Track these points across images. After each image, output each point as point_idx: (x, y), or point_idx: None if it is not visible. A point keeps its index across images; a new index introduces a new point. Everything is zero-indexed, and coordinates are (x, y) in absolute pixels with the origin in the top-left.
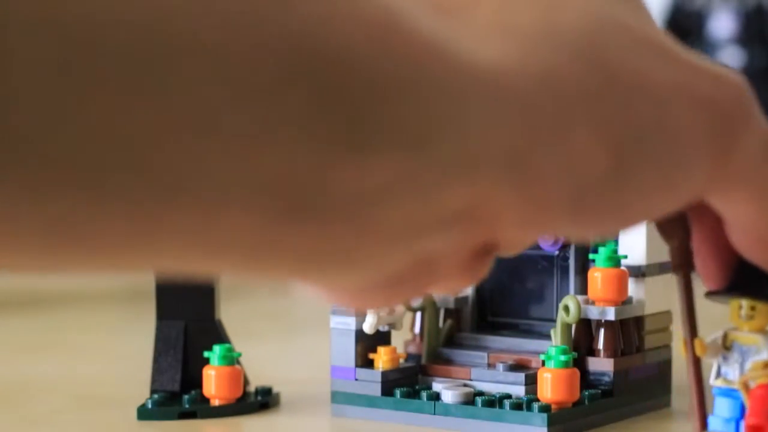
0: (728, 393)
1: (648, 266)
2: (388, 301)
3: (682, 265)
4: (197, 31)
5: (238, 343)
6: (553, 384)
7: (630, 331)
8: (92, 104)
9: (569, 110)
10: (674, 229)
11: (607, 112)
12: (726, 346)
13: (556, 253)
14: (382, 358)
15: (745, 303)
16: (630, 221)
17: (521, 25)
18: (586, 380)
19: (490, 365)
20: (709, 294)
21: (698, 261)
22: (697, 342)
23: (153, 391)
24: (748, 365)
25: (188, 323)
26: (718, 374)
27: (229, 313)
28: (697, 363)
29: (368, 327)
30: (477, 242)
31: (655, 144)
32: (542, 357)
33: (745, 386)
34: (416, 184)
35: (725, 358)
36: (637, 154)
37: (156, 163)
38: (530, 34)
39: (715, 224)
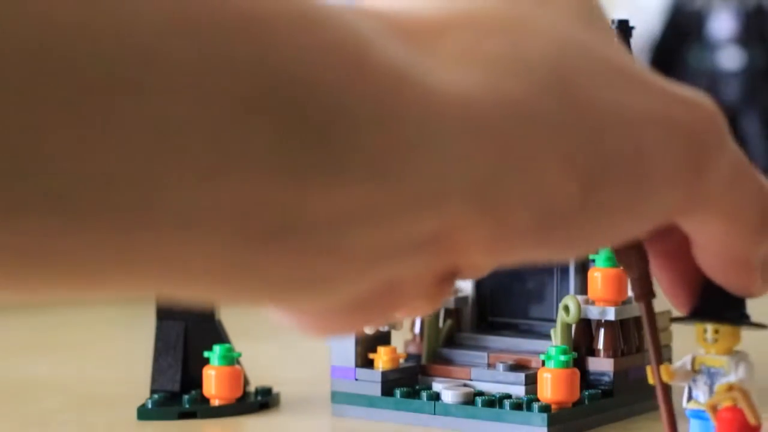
0: (700, 415)
1: None
2: (353, 325)
3: (644, 294)
4: (167, 63)
5: (238, 343)
6: (553, 384)
7: (630, 331)
8: (60, 131)
9: (536, 139)
10: (633, 259)
11: (575, 140)
12: (695, 369)
13: None
14: (382, 358)
15: (709, 327)
16: (598, 245)
17: (489, 55)
18: (586, 380)
19: (490, 365)
20: (674, 320)
21: (663, 288)
22: (663, 368)
23: (153, 391)
24: (717, 388)
25: (188, 323)
26: (690, 397)
27: (229, 313)
28: (665, 388)
29: (368, 327)
30: (442, 268)
31: (624, 170)
32: (542, 357)
33: (713, 409)
34: (383, 212)
35: (695, 381)
36: (606, 181)
37: (124, 190)
38: (498, 63)
39: (676, 251)
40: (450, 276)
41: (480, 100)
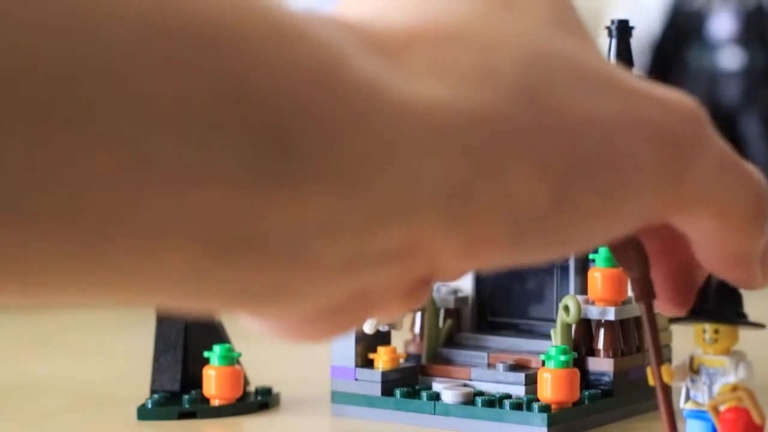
0: (699, 415)
1: None
2: (327, 331)
3: (644, 295)
4: (135, 75)
5: (238, 343)
6: (553, 384)
7: (630, 331)
8: (23, 144)
9: (507, 147)
10: (633, 260)
11: (547, 146)
12: (693, 369)
13: None
14: (382, 358)
15: (708, 327)
16: (575, 248)
17: (457, 65)
18: (586, 380)
19: (490, 365)
20: (673, 320)
21: (659, 290)
22: (664, 369)
23: (153, 391)
24: (717, 388)
25: (188, 323)
26: (688, 397)
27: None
28: (665, 389)
29: (368, 327)
30: (416, 274)
31: (598, 174)
32: (542, 357)
33: (715, 410)
34: (351, 223)
35: (693, 381)
36: (579, 186)
37: (89, 202)
38: (466, 73)
39: (672, 253)
40: (426, 280)
41: (449, 112)
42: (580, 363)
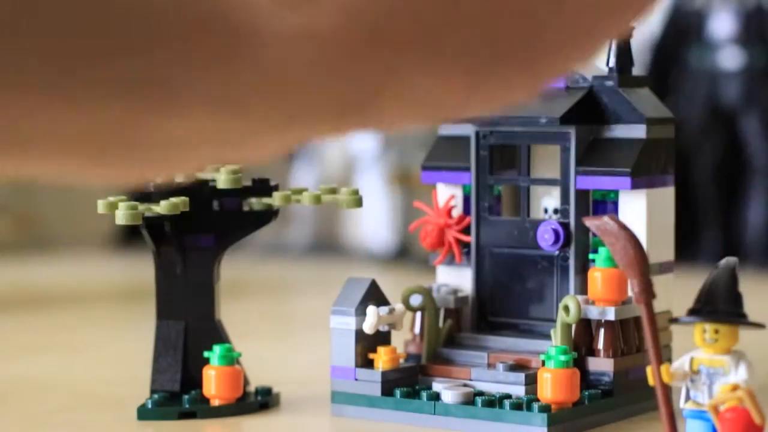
0: (699, 415)
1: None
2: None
3: (644, 294)
4: None
5: (238, 343)
6: (553, 384)
7: (630, 331)
8: None
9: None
10: (633, 260)
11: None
12: (693, 369)
13: (556, 253)
14: (382, 358)
15: (708, 327)
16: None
17: None
18: (586, 380)
19: (490, 365)
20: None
21: None
22: (663, 369)
23: (153, 391)
24: (717, 388)
25: (188, 323)
26: (688, 397)
27: (229, 313)
28: (665, 388)
29: (368, 327)
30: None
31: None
32: (542, 357)
33: (715, 410)
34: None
35: (693, 381)
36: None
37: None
38: None
39: None
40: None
41: (326, 32)
42: (580, 363)
